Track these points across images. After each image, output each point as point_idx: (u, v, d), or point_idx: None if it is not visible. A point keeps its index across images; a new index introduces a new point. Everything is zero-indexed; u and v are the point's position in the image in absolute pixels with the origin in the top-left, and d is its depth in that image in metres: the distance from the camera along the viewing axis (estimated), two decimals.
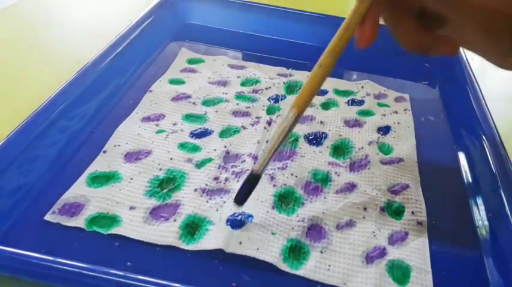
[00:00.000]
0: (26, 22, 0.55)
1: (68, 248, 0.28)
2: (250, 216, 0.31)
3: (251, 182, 0.29)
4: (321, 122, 0.41)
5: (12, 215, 0.29)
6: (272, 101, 0.44)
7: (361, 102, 0.45)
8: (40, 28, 0.54)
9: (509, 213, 0.31)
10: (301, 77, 0.48)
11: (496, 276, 0.29)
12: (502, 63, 0.29)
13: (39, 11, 0.57)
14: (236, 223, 0.30)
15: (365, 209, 0.33)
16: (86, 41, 0.51)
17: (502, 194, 0.33)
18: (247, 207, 0.31)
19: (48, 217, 0.30)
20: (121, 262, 0.27)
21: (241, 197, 0.30)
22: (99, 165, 0.34)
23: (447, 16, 0.27)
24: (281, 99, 0.44)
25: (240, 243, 0.29)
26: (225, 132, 0.39)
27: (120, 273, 0.24)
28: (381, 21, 0.30)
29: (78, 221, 0.30)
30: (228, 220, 0.30)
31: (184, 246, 0.29)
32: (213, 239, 0.29)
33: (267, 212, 0.31)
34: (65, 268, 0.24)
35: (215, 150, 0.37)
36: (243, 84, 0.46)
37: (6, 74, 0.45)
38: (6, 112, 0.39)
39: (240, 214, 0.31)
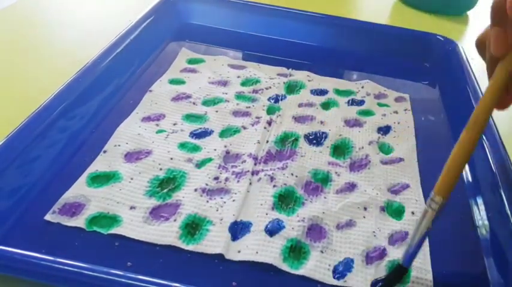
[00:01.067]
0: (26, 22, 0.55)
1: (68, 248, 0.28)
2: (250, 224, 0.31)
3: (398, 274, 0.27)
4: (321, 122, 0.41)
5: (12, 215, 0.29)
6: (272, 101, 0.44)
7: (361, 102, 0.45)
8: (40, 28, 0.54)
9: (509, 213, 0.31)
10: (301, 76, 0.48)
11: (497, 276, 0.29)
12: None
13: (39, 11, 0.57)
14: (236, 233, 0.30)
15: (365, 209, 0.33)
16: (86, 41, 0.51)
17: (502, 193, 0.33)
18: (247, 213, 0.31)
19: (48, 217, 0.30)
20: (121, 262, 0.27)
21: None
22: (99, 165, 0.34)
23: None
24: (281, 99, 0.44)
25: (239, 252, 0.29)
26: (225, 132, 0.39)
27: (120, 273, 0.24)
28: None
29: (79, 221, 0.30)
30: (229, 229, 0.30)
31: (184, 246, 0.29)
32: (213, 242, 0.29)
33: (266, 214, 0.31)
34: (65, 268, 0.24)
35: (215, 150, 0.37)
36: (243, 84, 0.46)
37: (6, 74, 0.45)
38: (6, 112, 0.39)
39: (240, 223, 0.31)
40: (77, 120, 0.37)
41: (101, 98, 0.40)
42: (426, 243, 0.31)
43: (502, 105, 0.28)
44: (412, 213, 0.33)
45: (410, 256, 0.26)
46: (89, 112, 0.39)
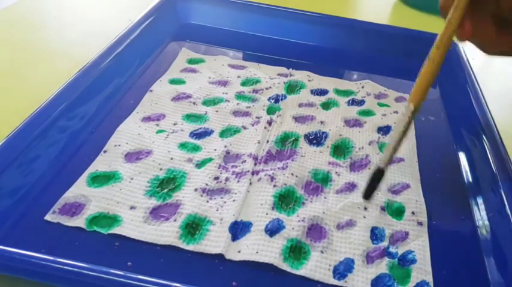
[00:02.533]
0: (26, 22, 0.55)
1: (68, 248, 0.28)
2: (250, 224, 0.31)
3: (378, 177, 0.29)
4: (322, 122, 0.41)
5: (12, 215, 0.29)
6: (272, 101, 0.44)
7: (361, 102, 0.45)
8: (40, 28, 0.54)
9: (509, 212, 0.31)
10: (301, 76, 0.48)
11: (497, 276, 0.29)
12: None
13: (39, 11, 0.57)
14: (236, 233, 0.30)
15: (365, 209, 0.33)
16: (86, 41, 0.51)
17: (502, 193, 0.33)
18: (247, 213, 0.31)
19: (48, 217, 0.30)
20: (121, 262, 0.27)
21: (370, 193, 0.30)
22: (99, 165, 0.34)
23: None
24: (281, 99, 0.44)
25: (239, 251, 0.29)
26: (226, 132, 0.39)
27: (120, 273, 0.24)
28: None
29: (79, 221, 0.30)
30: (229, 228, 0.30)
31: (184, 246, 0.29)
32: (213, 242, 0.29)
33: (267, 214, 0.31)
34: (65, 267, 0.24)
35: (215, 150, 0.37)
36: (243, 84, 0.46)
37: (6, 74, 0.45)
38: (6, 112, 0.39)
39: (240, 223, 0.31)
40: (77, 121, 0.37)
41: (101, 98, 0.40)
42: (426, 243, 0.31)
43: (463, 35, 0.31)
44: (413, 213, 0.33)
45: (388, 158, 0.29)
46: (89, 112, 0.39)
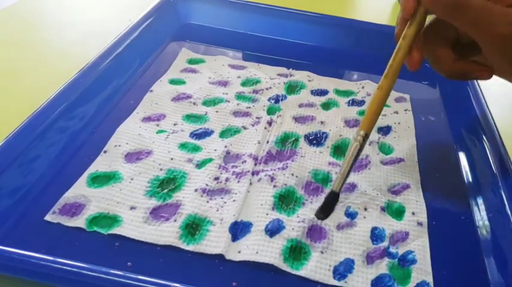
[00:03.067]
0: (26, 22, 0.55)
1: (68, 248, 0.28)
2: (250, 224, 0.31)
3: (332, 200, 0.30)
4: (322, 122, 0.41)
5: (12, 215, 0.29)
6: (272, 101, 0.44)
7: (361, 103, 0.45)
8: (40, 28, 0.54)
9: (509, 213, 0.31)
10: (301, 77, 0.48)
11: (497, 276, 0.29)
12: None
13: (39, 11, 0.57)
14: (236, 233, 0.30)
15: (365, 209, 0.33)
16: (86, 41, 0.51)
17: (503, 193, 0.33)
18: (247, 213, 0.31)
19: (48, 217, 0.30)
20: (121, 262, 0.27)
21: (325, 215, 0.30)
22: (99, 165, 0.34)
23: (478, 43, 0.29)
24: (281, 100, 0.44)
25: (239, 252, 0.29)
26: (226, 133, 0.39)
27: (120, 273, 0.24)
28: None
29: (79, 221, 0.30)
30: (229, 229, 0.30)
31: (184, 246, 0.29)
32: (213, 242, 0.29)
33: (267, 214, 0.31)
34: (65, 268, 0.24)
35: (215, 150, 0.37)
36: (243, 84, 0.46)
37: (6, 74, 0.45)
38: (6, 112, 0.39)
39: (240, 223, 0.31)
40: (77, 121, 0.37)
41: (101, 98, 0.40)
42: (426, 244, 0.31)
43: (412, 65, 0.33)
44: (413, 213, 0.33)
45: (341, 181, 0.30)
46: (89, 112, 0.39)
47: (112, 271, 0.24)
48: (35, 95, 0.37)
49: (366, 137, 0.30)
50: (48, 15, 0.57)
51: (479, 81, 0.45)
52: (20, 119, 0.33)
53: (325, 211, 0.30)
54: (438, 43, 0.32)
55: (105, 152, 0.35)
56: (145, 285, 0.24)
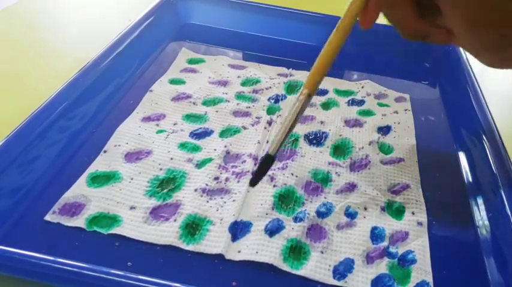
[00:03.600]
0: (26, 22, 0.55)
1: (68, 248, 0.28)
2: (250, 224, 0.31)
3: (265, 163, 0.28)
4: (321, 122, 0.41)
5: (12, 215, 0.29)
6: (272, 101, 0.44)
7: (361, 102, 0.45)
8: (40, 28, 0.54)
9: (509, 213, 0.31)
10: (301, 76, 0.48)
11: (497, 276, 0.29)
12: (491, 60, 0.29)
13: (39, 11, 0.57)
14: (236, 233, 0.30)
15: (365, 209, 0.33)
16: (86, 41, 0.51)
17: (502, 193, 0.33)
18: (247, 213, 0.31)
19: (48, 217, 0.30)
20: (121, 262, 0.27)
21: (255, 179, 0.29)
22: (99, 165, 0.34)
23: (438, 5, 0.28)
24: (281, 100, 0.44)
25: (239, 252, 0.29)
26: (226, 132, 0.39)
27: (120, 273, 0.24)
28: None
29: (79, 221, 0.30)
30: (229, 229, 0.30)
31: (184, 246, 0.29)
32: (213, 242, 0.29)
33: (266, 214, 0.31)
34: (65, 268, 0.24)
35: (215, 150, 0.37)
36: (243, 84, 0.46)
37: (6, 74, 0.45)
38: (6, 112, 0.39)
39: (240, 223, 0.31)
40: (77, 120, 0.37)
41: (101, 98, 0.40)
42: (426, 244, 0.31)
43: (364, 22, 0.30)
44: (413, 213, 0.33)
45: (278, 144, 0.28)
46: (89, 112, 0.39)
47: (112, 271, 0.24)
48: (34, 95, 0.37)
49: (308, 97, 0.28)
50: (48, 15, 0.57)
51: (478, 80, 0.45)
52: (19, 119, 0.33)
53: (257, 175, 0.28)
54: (396, 1, 0.29)
55: (105, 151, 0.35)
56: (146, 285, 0.24)
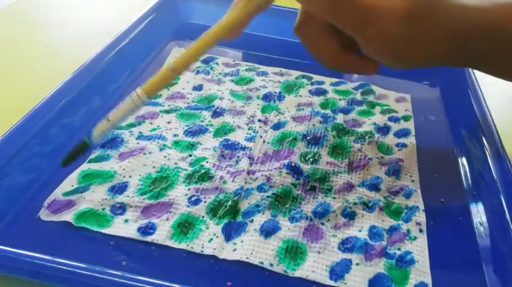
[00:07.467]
0: (26, 22, 0.55)
1: (63, 247, 0.28)
2: (245, 224, 0.30)
3: (80, 149, 0.30)
4: (320, 122, 0.41)
5: (8, 214, 0.29)
6: (267, 100, 0.43)
7: (361, 103, 0.45)
8: (40, 28, 0.54)
9: (508, 214, 0.31)
10: (300, 76, 0.48)
11: (495, 278, 0.29)
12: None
13: (39, 11, 0.58)
14: (230, 233, 0.30)
15: (363, 209, 0.33)
16: (86, 41, 0.51)
17: (501, 195, 0.32)
18: (244, 212, 0.31)
19: (39, 214, 0.29)
20: (116, 261, 0.27)
21: (68, 162, 0.30)
22: (92, 163, 0.34)
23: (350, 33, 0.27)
24: (279, 99, 0.44)
25: (234, 250, 0.29)
26: (220, 131, 0.39)
27: (115, 272, 0.24)
28: None
29: (67, 216, 0.29)
30: (223, 229, 0.30)
31: (176, 245, 0.28)
32: (206, 242, 0.29)
33: (262, 214, 0.31)
34: (60, 267, 0.24)
35: (210, 149, 0.36)
36: (237, 83, 0.46)
37: (5, 73, 0.45)
38: (4, 111, 0.39)
39: (235, 223, 0.30)
40: (76, 119, 0.37)
41: (100, 96, 0.40)
42: (425, 244, 0.31)
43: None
44: (411, 214, 0.33)
45: (103, 134, 0.29)
46: (88, 111, 0.38)
47: (107, 271, 0.24)
48: (34, 94, 0.37)
49: (143, 101, 0.29)
50: (48, 15, 0.57)
51: (478, 80, 0.45)
52: (18, 118, 0.33)
53: (70, 158, 0.29)
54: (318, 33, 0.29)
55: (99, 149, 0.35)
56: (139, 285, 0.24)
